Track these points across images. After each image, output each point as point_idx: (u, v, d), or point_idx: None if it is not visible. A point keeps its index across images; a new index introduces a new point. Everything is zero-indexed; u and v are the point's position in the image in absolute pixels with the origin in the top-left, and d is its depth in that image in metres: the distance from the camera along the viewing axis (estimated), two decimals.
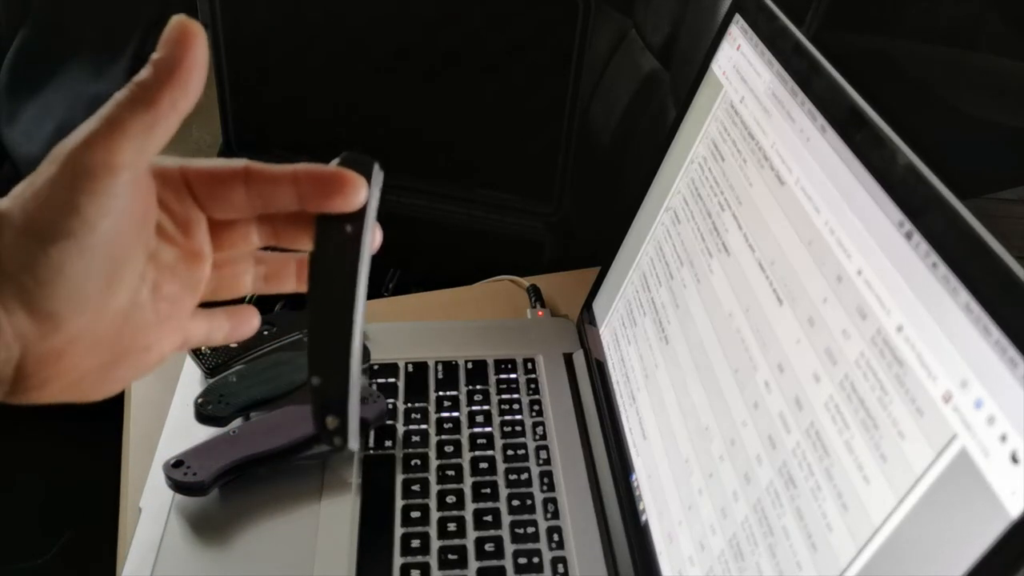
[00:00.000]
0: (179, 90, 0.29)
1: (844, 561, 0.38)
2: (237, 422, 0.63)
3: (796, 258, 0.46)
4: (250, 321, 0.38)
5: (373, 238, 0.34)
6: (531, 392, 0.70)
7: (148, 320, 0.33)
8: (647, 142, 0.93)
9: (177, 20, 0.30)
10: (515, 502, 0.61)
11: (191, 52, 0.29)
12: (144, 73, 0.30)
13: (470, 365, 0.71)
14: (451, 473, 0.63)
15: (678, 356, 0.57)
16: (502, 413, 0.68)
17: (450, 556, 0.58)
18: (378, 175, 0.34)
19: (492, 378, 0.71)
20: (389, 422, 0.66)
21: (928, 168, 0.38)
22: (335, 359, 0.32)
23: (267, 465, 0.61)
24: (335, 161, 0.34)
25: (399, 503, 0.61)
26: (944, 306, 0.35)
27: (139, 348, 0.33)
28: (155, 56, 0.30)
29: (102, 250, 0.29)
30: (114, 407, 0.66)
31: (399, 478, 0.62)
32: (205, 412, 0.62)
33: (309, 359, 0.33)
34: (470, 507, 0.61)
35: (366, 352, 0.70)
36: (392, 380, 0.70)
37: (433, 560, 0.57)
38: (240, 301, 0.38)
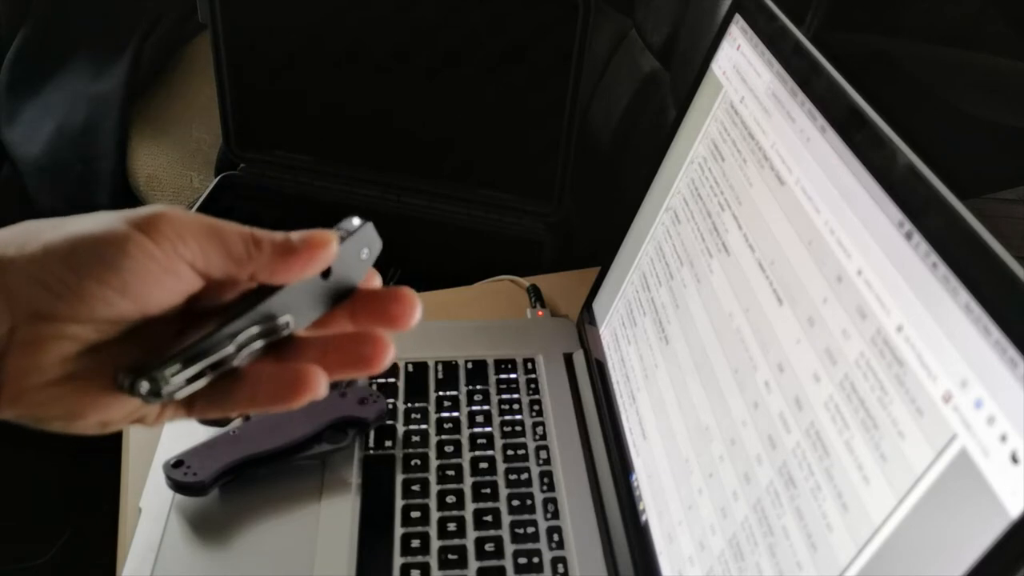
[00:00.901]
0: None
1: (844, 561, 0.38)
2: (237, 422, 0.63)
3: (796, 258, 0.46)
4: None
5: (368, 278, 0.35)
6: (531, 392, 0.70)
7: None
8: (647, 142, 0.93)
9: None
10: (515, 502, 0.61)
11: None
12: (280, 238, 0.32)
13: (470, 365, 0.71)
14: (451, 473, 0.63)
15: (678, 356, 0.57)
16: (502, 413, 0.68)
17: (450, 556, 0.58)
18: (360, 236, 0.35)
19: (492, 378, 0.71)
20: (389, 422, 0.66)
21: (928, 168, 0.38)
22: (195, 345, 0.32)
23: (267, 465, 0.61)
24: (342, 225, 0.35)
25: (399, 503, 0.61)
26: (944, 306, 0.35)
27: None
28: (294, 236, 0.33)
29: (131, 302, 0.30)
30: None
31: (399, 478, 0.62)
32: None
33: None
34: (470, 507, 0.61)
35: None
36: (392, 380, 0.70)
37: (433, 560, 0.57)
38: None
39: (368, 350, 0.34)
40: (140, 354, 0.31)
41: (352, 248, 0.35)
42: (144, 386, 0.31)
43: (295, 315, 0.34)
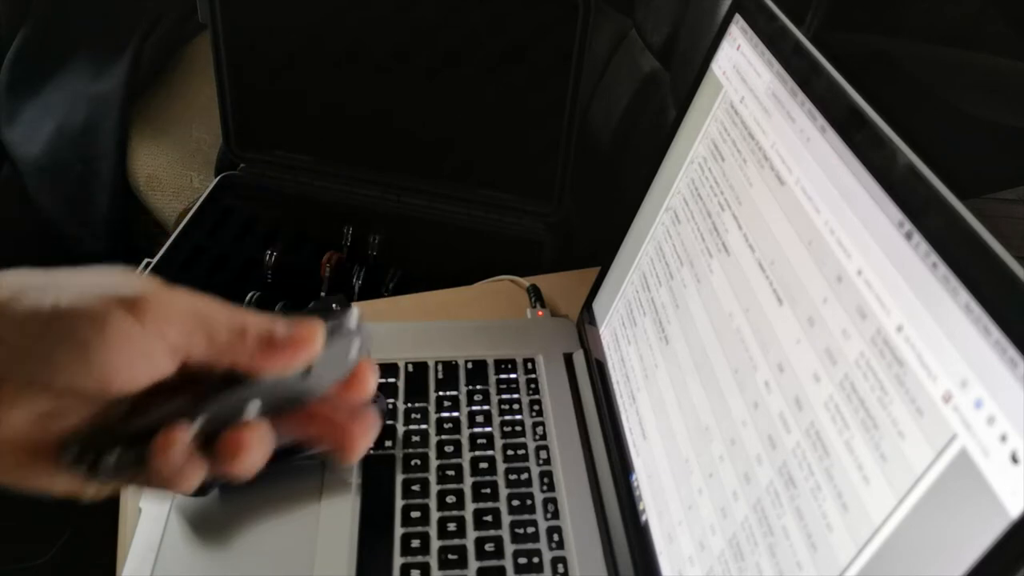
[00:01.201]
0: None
1: (844, 561, 0.38)
2: None
3: (796, 258, 0.46)
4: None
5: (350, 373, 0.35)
6: (531, 392, 0.70)
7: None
8: (647, 142, 0.93)
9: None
10: (515, 502, 0.61)
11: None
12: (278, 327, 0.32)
13: (470, 365, 0.71)
14: (451, 473, 0.63)
15: (678, 356, 0.57)
16: (502, 413, 0.68)
17: (450, 556, 0.58)
18: (350, 336, 0.34)
19: (492, 378, 0.71)
20: (389, 422, 0.66)
21: (928, 168, 0.38)
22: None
23: (267, 465, 0.61)
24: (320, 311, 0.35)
25: (399, 503, 0.61)
26: (944, 306, 0.35)
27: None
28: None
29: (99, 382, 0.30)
30: None
31: (399, 478, 0.62)
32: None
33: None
34: (470, 507, 0.61)
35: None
36: (392, 380, 0.70)
37: (433, 560, 0.57)
38: None
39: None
40: (90, 426, 0.31)
41: (338, 348, 0.34)
42: (89, 465, 0.30)
43: (262, 406, 0.33)
